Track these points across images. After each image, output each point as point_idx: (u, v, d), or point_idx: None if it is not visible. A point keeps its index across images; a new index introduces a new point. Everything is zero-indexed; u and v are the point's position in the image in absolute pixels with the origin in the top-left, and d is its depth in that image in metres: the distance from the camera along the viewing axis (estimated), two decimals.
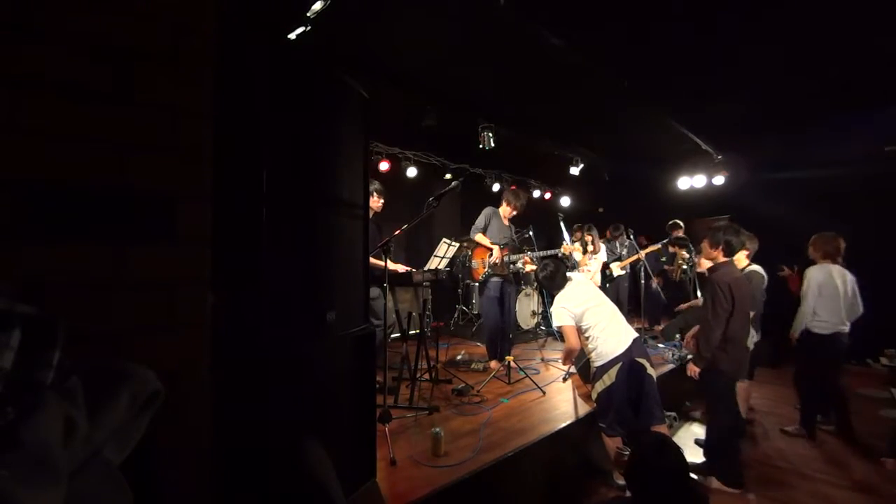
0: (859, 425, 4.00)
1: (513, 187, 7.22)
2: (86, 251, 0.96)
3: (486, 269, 4.28)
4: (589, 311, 3.05)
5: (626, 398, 2.86)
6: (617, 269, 6.33)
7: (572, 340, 3.10)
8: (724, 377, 3.02)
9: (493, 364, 4.27)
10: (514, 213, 4.46)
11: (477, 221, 4.43)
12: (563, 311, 3.08)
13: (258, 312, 1.68)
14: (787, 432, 3.98)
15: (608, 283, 6.44)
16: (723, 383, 3.04)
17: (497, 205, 4.52)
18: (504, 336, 4.34)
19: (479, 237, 4.36)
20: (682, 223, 6.30)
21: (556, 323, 3.12)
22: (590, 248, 5.82)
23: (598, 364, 2.98)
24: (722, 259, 3.08)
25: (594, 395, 3.02)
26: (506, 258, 4.33)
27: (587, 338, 3.05)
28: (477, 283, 4.47)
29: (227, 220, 1.44)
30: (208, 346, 1.15)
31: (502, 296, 4.28)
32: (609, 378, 2.88)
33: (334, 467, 1.33)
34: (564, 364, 3.50)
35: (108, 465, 0.63)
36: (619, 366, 2.87)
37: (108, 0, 1.01)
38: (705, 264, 3.61)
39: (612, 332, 2.99)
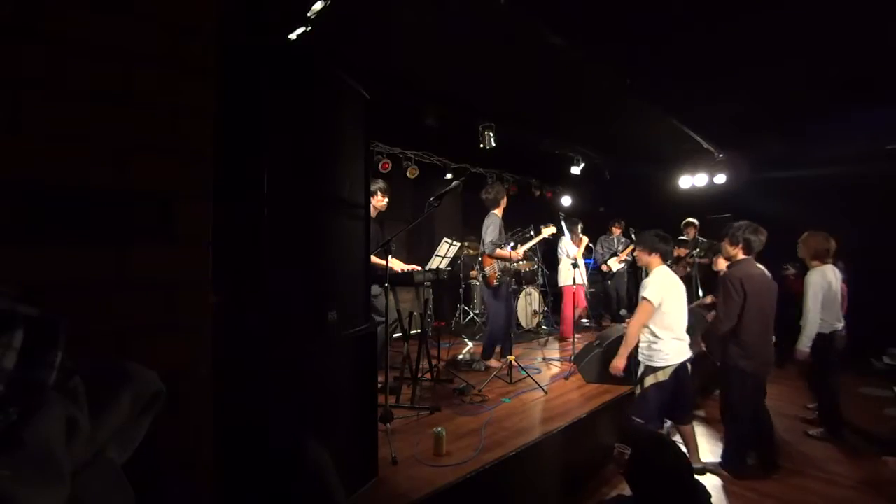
0: (863, 424, 3.99)
1: (508, 190, 7.24)
2: (86, 252, 0.97)
3: (498, 274, 4.26)
4: (674, 302, 2.97)
5: (671, 396, 2.93)
6: (615, 265, 6.33)
7: (643, 317, 2.96)
8: (746, 377, 3.04)
9: (494, 362, 4.28)
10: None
11: (492, 237, 4.18)
12: (658, 286, 2.96)
13: (259, 312, 1.68)
14: (813, 436, 3.89)
15: (609, 280, 6.44)
16: (745, 383, 3.06)
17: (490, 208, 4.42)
18: (508, 335, 4.34)
19: (499, 252, 4.20)
20: (696, 221, 6.24)
21: (645, 294, 2.96)
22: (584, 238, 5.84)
23: (656, 363, 2.95)
24: (741, 256, 3.14)
25: (639, 390, 3.03)
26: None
27: (656, 329, 2.96)
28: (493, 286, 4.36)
29: (227, 220, 1.44)
30: (209, 347, 1.15)
31: (509, 295, 4.31)
32: (664, 375, 2.91)
33: (336, 467, 1.33)
34: (629, 344, 3.06)
35: (110, 466, 0.64)
36: (675, 366, 2.91)
37: (108, 0, 1.01)
38: (722, 264, 3.62)
39: (681, 336, 2.98)
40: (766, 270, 3.38)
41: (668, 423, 3.20)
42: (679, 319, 2.97)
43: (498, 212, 4.35)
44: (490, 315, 4.37)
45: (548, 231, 4.75)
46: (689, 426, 3.12)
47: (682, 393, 2.99)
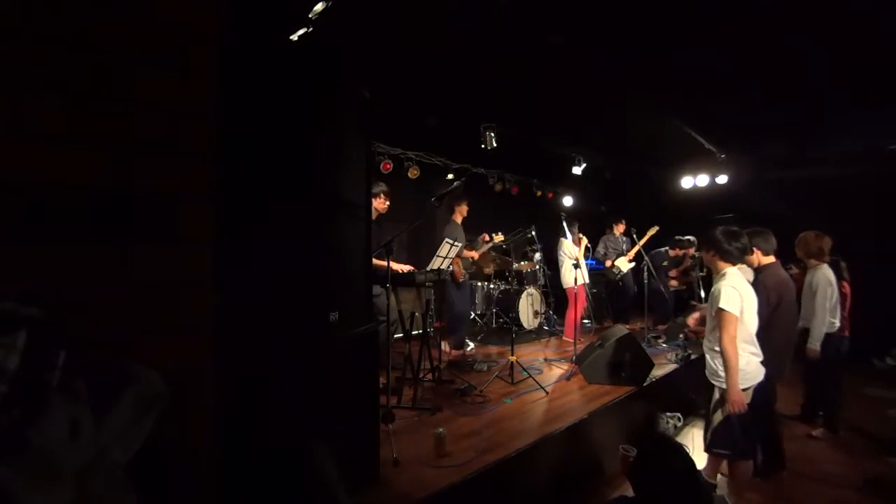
0: (866, 425, 3.98)
1: (511, 189, 7.54)
2: (89, 253, 0.97)
3: (463, 272, 4.93)
4: (750, 314, 2.56)
5: (751, 419, 2.59)
6: (625, 264, 6.31)
7: (733, 331, 2.45)
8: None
9: (455, 352, 4.79)
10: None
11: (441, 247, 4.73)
12: (735, 292, 2.48)
13: (260, 313, 1.68)
14: (816, 437, 3.88)
15: (620, 281, 6.42)
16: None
17: (454, 210, 4.98)
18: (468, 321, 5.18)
19: (466, 252, 4.96)
20: (694, 240, 6.17)
21: (722, 304, 2.46)
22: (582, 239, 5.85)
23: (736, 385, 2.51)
24: (765, 261, 3.08)
25: (719, 418, 2.61)
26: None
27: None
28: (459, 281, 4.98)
29: (229, 221, 1.44)
30: (211, 347, 1.15)
31: (470, 287, 5.05)
32: (746, 397, 2.53)
33: (337, 467, 1.33)
34: (733, 367, 2.47)
35: (112, 466, 0.64)
36: (755, 385, 2.57)
37: (110, 2, 1.01)
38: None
39: (757, 350, 2.58)
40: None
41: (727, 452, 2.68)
42: (754, 331, 2.59)
43: (457, 218, 4.95)
44: (455, 304, 4.96)
45: (498, 238, 5.27)
46: (749, 462, 2.69)
47: (759, 415, 2.64)
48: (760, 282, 2.97)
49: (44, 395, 0.53)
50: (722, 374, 2.55)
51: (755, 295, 2.65)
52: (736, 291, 2.50)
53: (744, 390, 2.52)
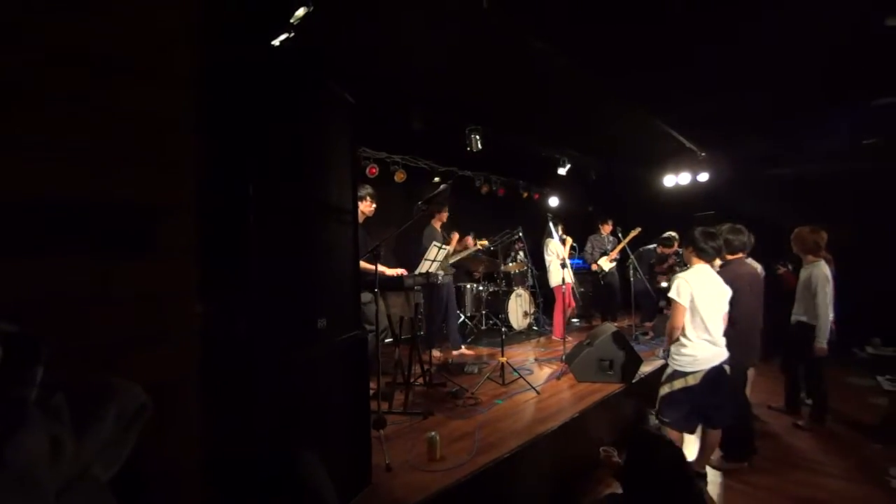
0: (850, 413, 4.07)
1: (497, 192, 7.58)
2: (67, 266, 0.95)
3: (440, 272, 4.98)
4: (707, 305, 2.77)
5: (705, 399, 2.78)
6: (606, 263, 6.38)
7: (678, 319, 2.79)
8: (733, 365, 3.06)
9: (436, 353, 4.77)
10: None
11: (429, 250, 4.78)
12: (686, 285, 2.77)
13: (247, 321, 1.66)
14: (801, 427, 3.94)
15: (602, 280, 6.49)
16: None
17: (434, 215, 5.07)
18: (440, 327, 5.18)
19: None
20: (676, 235, 6.23)
21: (671, 293, 2.82)
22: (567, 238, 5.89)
23: (685, 368, 2.81)
24: (728, 257, 3.24)
25: (666, 391, 2.89)
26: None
27: (686, 331, 2.81)
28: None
29: (213, 229, 1.42)
30: (196, 358, 1.13)
31: (444, 293, 5.04)
32: (693, 379, 2.79)
33: (329, 475, 1.32)
34: (669, 344, 2.97)
35: (95, 483, 0.62)
36: (706, 370, 2.77)
37: (89, 6, 0.99)
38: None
39: (715, 339, 2.80)
40: (758, 267, 3.41)
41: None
42: (712, 321, 2.77)
43: (436, 224, 5.05)
44: (450, 306, 5.09)
45: (482, 243, 5.45)
46: (717, 431, 2.97)
47: (718, 396, 2.81)
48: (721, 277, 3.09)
49: (21, 412, 0.51)
50: (675, 356, 2.88)
51: (724, 289, 2.85)
52: (687, 284, 2.78)
53: (696, 372, 2.79)
